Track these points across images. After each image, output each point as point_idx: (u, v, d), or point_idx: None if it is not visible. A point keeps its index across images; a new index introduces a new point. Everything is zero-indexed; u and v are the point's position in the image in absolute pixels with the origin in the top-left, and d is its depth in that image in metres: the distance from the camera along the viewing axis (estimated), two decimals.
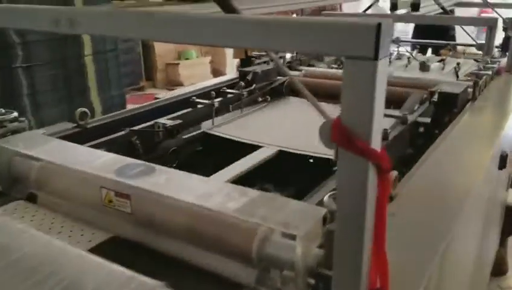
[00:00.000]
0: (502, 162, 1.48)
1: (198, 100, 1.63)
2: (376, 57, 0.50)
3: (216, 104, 1.60)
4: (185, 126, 1.54)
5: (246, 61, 2.42)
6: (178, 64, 7.08)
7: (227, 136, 1.54)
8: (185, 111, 1.59)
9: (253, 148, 1.47)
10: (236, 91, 1.75)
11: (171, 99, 1.67)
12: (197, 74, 6.89)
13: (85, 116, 1.37)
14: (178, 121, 1.45)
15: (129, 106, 2.48)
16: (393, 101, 1.80)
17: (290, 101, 2.05)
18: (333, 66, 2.72)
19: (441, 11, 2.63)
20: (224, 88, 1.80)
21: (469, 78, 1.85)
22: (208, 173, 1.26)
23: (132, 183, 0.87)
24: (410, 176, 1.06)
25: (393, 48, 3.37)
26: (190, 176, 0.93)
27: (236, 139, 1.53)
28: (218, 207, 0.80)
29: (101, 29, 0.70)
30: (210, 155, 1.56)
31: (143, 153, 1.41)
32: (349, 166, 0.55)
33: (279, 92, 2.05)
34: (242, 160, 1.38)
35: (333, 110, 0.56)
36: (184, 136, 1.50)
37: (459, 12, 4.02)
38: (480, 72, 1.86)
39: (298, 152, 1.40)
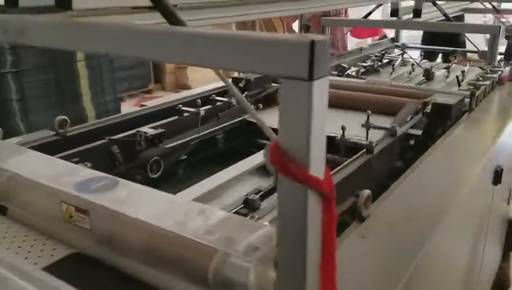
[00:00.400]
0: (497, 178, 1.42)
1: (184, 108, 1.60)
2: (311, 77, 0.47)
3: (202, 113, 1.57)
4: (169, 135, 1.51)
5: None
6: (186, 67, 7.06)
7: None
8: (169, 120, 1.56)
9: None
10: (225, 99, 1.71)
11: (156, 107, 1.64)
12: (205, 77, 6.86)
13: (65, 124, 1.35)
14: (160, 130, 1.43)
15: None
16: (389, 111, 1.76)
17: None
18: (334, 72, 2.69)
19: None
20: (214, 96, 1.77)
21: (471, 87, 1.79)
22: None
23: (91, 198, 0.85)
24: (389, 194, 1.02)
25: (398, 54, 3.32)
26: (154, 192, 0.90)
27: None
28: (176, 227, 0.77)
29: (48, 41, 0.67)
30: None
31: (123, 162, 1.38)
32: (289, 192, 0.52)
33: (273, 99, 2.01)
34: None
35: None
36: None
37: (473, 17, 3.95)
38: (478, 82, 1.80)
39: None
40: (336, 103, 1.97)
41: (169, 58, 0.51)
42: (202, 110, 1.57)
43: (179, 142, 1.50)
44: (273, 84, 2.10)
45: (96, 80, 2.58)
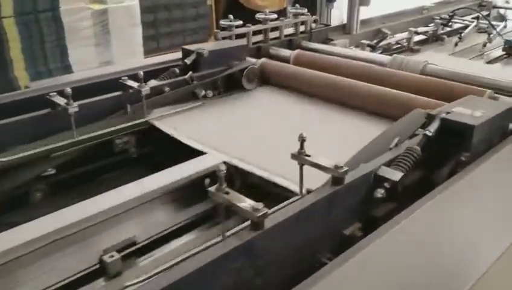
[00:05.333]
0: None
1: (55, 99, 1.09)
2: None
3: (75, 108, 1.05)
4: (30, 138, 1.03)
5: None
6: None
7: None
8: (28, 116, 1.07)
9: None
10: (134, 85, 1.18)
11: (23, 94, 1.14)
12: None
13: None
14: None
15: None
16: (396, 115, 1.13)
17: (255, 96, 1.45)
18: (364, 42, 2.01)
19: None
20: (125, 78, 1.23)
21: None
22: None
23: None
24: None
25: (470, 18, 2.52)
26: None
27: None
28: None
29: None
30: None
31: None
32: None
33: (236, 82, 1.44)
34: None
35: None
36: None
37: None
38: None
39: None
40: (320, 92, 1.37)
41: None
42: (76, 105, 1.06)
43: (29, 152, 1.01)
44: (250, 58, 1.52)
45: (34, 42, 2.10)
